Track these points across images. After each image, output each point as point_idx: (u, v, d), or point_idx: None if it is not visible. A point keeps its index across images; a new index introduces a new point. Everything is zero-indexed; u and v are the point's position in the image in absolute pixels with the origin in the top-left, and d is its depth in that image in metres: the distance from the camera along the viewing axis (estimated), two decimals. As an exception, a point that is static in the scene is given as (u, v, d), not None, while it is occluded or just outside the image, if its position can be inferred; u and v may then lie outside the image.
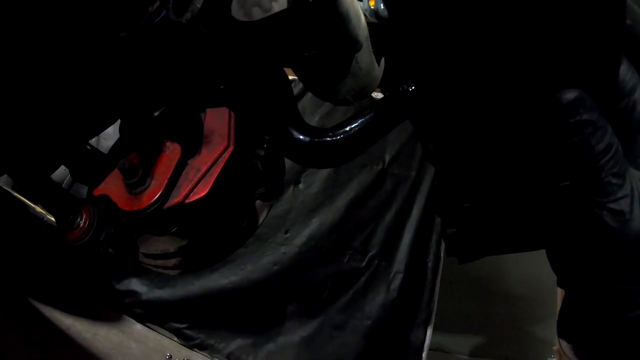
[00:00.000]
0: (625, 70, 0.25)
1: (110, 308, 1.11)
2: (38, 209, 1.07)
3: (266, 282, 1.01)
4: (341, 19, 0.32)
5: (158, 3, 0.68)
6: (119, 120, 0.73)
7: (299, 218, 1.05)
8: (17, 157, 0.74)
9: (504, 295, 1.41)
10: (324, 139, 0.43)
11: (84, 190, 0.97)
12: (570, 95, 0.24)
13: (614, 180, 0.24)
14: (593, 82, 0.25)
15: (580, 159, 0.24)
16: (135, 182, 0.41)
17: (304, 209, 1.06)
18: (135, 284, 0.99)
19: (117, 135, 0.92)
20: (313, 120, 1.08)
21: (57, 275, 1.09)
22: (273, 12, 0.37)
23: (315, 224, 1.06)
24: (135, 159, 0.43)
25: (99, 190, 0.44)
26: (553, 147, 0.25)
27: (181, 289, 0.97)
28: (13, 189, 1.10)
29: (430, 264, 1.19)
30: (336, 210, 1.07)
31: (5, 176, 0.86)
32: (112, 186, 0.43)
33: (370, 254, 1.13)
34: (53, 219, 0.97)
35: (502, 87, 0.27)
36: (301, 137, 0.45)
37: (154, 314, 1.03)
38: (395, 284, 1.15)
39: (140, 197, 0.41)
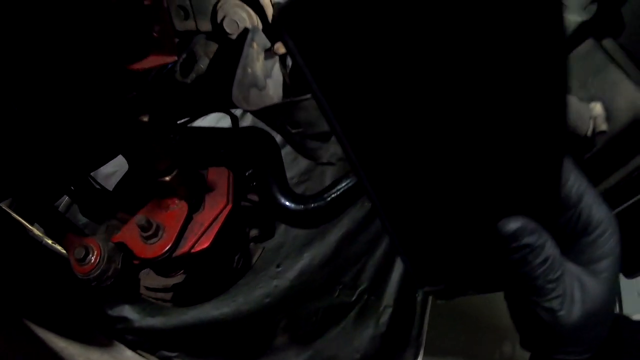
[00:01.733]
0: (571, 182, 0.29)
1: (102, 333, 1.12)
2: (36, 231, 1.09)
3: (258, 314, 1.02)
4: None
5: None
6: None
7: (291, 252, 1.07)
8: (29, 186, 0.78)
9: (493, 329, 1.42)
10: (308, 206, 0.48)
11: (79, 216, 1.01)
12: (511, 226, 0.27)
13: (548, 285, 0.28)
14: (534, 204, 0.28)
15: (518, 271, 0.28)
16: (150, 234, 0.45)
17: (296, 243, 1.08)
18: (128, 311, 1.01)
19: (116, 164, 0.96)
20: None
21: (52, 298, 1.10)
22: (266, 104, 0.43)
23: (307, 259, 1.08)
24: (150, 214, 0.48)
25: (117, 238, 0.49)
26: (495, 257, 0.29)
27: (173, 318, 0.98)
28: (11, 208, 1.12)
29: (419, 299, 1.21)
30: (327, 245, 1.09)
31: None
32: (129, 236, 0.48)
33: (360, 289, 1.15)
34: (59, 248, 1.00)
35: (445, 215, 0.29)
36: (287, 203, 0.50)
37: (145, 342, 1.04)
38: (385, 318, 1.16)
39: (154, 247, 0.46)
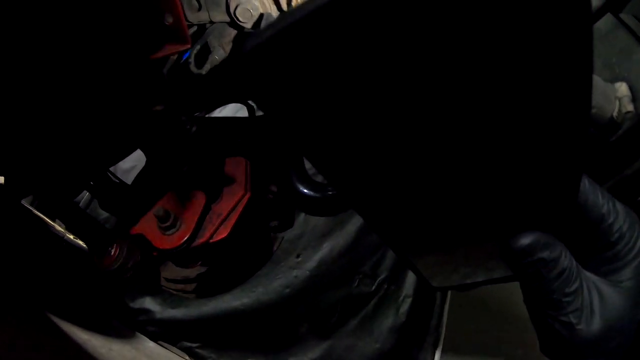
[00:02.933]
0: (591, 194, 0.28)
1: (124, 325, 1.13)
2: (57, 227, 1.10)
3: (277, 305, 1.02)
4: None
5: (177, 56, 0.74)
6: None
7: (311, 242, 1.06)
8: (49, 182, 0.79)
9: (514, 318, 1.41)
10: (326, 193, 0.48)
11: (99, 210, 1.01)
12: (523, 242, 0.27)
13: (564, 299, 0.27)
14: (547, 212, 0.26)
15: (534, 284, 0.27)
16: (168, 225, 0.45)
17: (316, 233, 1.07)
18: (149, 303, 1.02)
19: (135, 159, 0.97)
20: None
21: (74, 292, 1.12)
22: None
23: (326, 249, 1.07)
24: (167, 205, 0.47)
25: (136, 230, 0.49)
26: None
27: (194, 310, 0.99)
28: (32, 205, 1.14)
29: (439, 288, 1.20)
30: (347, 235, 1.08)
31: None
32: (147, 227, 0.48)
33: (379, 279, 1.14)
34: (81, 242, 1.01)
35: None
36: (305, 191, 0.49)
37: (166, 333, 1.05)
38: (404, 307, 1.15)
39: (172, 238, 0.46)
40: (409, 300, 1.16)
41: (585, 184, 0.28)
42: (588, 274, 0.29)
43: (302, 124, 0.21)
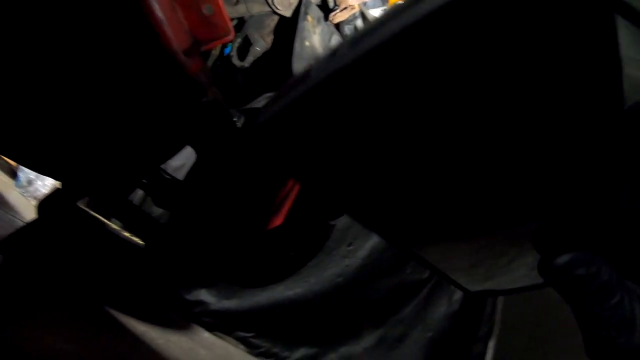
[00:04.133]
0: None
1: (180, 317, 1.17)
2: (114, 225, 1.15)
3: (330, 294, 1.02)
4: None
5: (220, 48, 0.75)
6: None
7: (361, 231, 1.05)
8: (103, 181, 0.82)
9: (569, 311, 1.35)
10: None
11: (153, 207, 1.04)
12: (561, 260, 0.27)
13: (604, 313, 0.27)
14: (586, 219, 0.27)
15: (573, 301, 0.28)
16: None
17: (366, 221, 1.05)
18: (204, 295, 1.04)
19: (184, 157, 0.98)
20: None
21: (132, 287, 1.16)
22: None
23: (377, 237, 1.05)
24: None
25: None
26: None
27: (248, 300, 1.00)
28: (88, 207, 1.18)
29: (492, 275, 1.17)
30: (398, 222, 1.06)
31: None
32: None
33: (431, 266, 1.12)
34: (137, 239, 1.05)
35: None
36: None
37: (221, 323, 1.07)
38: (457, 296, 1.13)
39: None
40: (461, 288, 1.14)
41: (626, 192, 0.27)
42: (633, 285, 0.28)
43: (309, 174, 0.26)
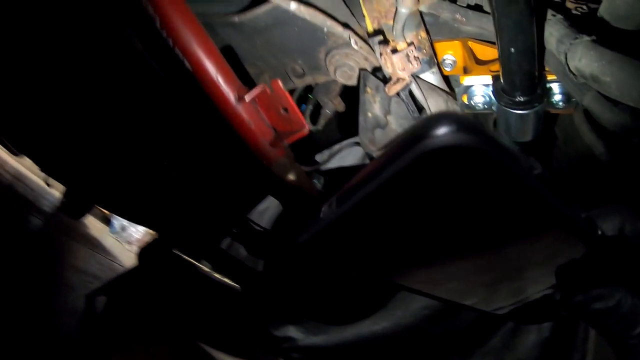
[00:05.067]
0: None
1: (268, 353, 1.22)
2: (205, 268, 1.23)
3: (416, 327, 1.03)
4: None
5: None
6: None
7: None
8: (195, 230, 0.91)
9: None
10: None
11: (240, 250, 1.11)
12: (578, 299, 0.29)
13: (630, 341, 0.28)
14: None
15: (599, 329, 0.30)
16: None
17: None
18: (292, 331, 1.08)
19: (268, 201, 1.06)
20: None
21: (223, 324, 1.23)
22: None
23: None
24: None
25: None
26: None
27: (335, 336, 1.03)
28: (179, 252, 1.28)
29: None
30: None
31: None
32: None
33: (517, 292, 1.09)
34: (227, 280, 1.12)
35: None
36: None
37: (309, 359, 1.10)
38: (548, 322, 1.09)
39: None
40: (551, 314, 1.09)
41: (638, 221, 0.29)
42: None
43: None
